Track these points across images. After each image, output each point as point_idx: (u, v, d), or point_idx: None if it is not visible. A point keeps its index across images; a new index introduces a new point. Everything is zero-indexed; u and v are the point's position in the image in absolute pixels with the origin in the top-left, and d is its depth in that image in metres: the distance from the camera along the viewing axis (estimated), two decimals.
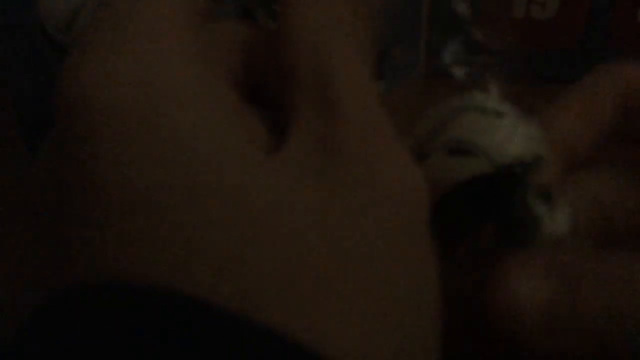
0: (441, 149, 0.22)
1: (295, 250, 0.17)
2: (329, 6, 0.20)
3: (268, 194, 0.18)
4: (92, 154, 0.18)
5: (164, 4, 0.20)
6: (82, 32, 0.19)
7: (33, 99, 0.47)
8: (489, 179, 0.21)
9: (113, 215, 0.17)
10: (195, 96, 0.19)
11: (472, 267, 0.24)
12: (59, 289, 0.17)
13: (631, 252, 0.22)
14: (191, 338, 0.16)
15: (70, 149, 0.18)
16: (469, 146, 0.21)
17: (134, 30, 0.19)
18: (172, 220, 0.17)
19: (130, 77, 0.18)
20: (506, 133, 0.21)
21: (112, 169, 0.18)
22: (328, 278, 0.17)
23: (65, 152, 0.18)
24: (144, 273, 0.17)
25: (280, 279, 0.17)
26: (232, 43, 0.21)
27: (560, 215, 0.22)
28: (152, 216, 0.17)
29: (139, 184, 0.17)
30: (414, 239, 0.19)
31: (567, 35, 0.52)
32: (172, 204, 0.17)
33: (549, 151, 0.23)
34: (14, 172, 0.48)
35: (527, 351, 0.21)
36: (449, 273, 0.20)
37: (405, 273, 0.19)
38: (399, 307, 0.18)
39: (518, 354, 0.21)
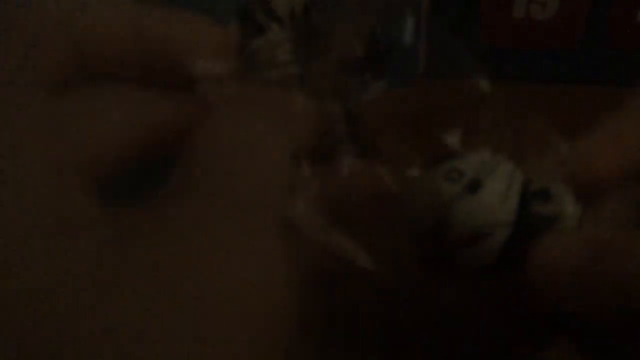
0: (462, 244, 0.24)
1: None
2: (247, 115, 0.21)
3: (65, 292, 0.17)
4: None
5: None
6: None
7: None
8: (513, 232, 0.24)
9: None
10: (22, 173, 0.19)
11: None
12: None
13: None
14: None
15: None
16: (482, 230, 0.24)
17: None
18: None
19: None
20: (497, 194, 0.24)
21: None
22: None
23: None
24: None
25: None
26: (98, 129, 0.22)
27: (566, 206, 0.24)
28: None
29: None
30: (243, 343, 0.18)
31: (567, 35, 0.52)
32: None
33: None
34: None
35: (560, 309, 0.24)
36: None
37: None
38: None
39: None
